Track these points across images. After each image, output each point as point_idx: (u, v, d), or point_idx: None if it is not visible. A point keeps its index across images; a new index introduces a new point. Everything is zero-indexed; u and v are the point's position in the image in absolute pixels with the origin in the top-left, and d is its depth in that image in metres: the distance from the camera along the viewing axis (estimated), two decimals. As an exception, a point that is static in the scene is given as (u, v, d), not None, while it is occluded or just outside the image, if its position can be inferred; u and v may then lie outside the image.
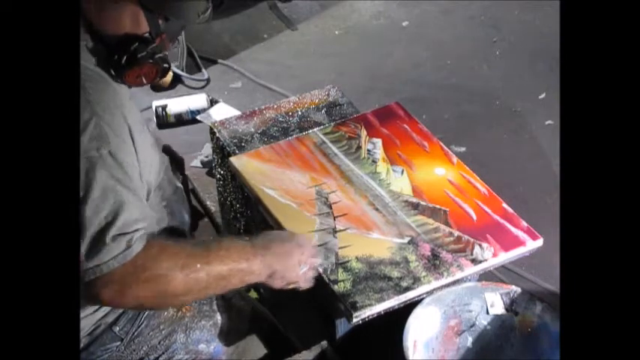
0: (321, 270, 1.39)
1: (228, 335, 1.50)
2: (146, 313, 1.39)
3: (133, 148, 1.24)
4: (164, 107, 2.73)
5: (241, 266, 1.27)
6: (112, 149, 1.18)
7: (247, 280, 1.29)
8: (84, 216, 1.14)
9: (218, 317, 1.49)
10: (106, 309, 1.35)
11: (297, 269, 1.34)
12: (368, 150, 1.73)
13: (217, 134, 1.85)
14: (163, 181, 1.44)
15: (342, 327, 1.51)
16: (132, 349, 1.39)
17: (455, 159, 1.71)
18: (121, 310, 1.36)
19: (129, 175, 1.21)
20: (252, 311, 1.60)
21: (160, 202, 1.42)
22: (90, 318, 1.33)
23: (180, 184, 1.57)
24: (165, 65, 1.33)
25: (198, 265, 1.21)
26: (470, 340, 1.50)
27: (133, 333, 1.39)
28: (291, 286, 1.35)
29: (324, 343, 1.46)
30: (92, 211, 1.14)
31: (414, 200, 1.59)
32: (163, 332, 1.42)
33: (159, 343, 1.41)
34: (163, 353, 1.42)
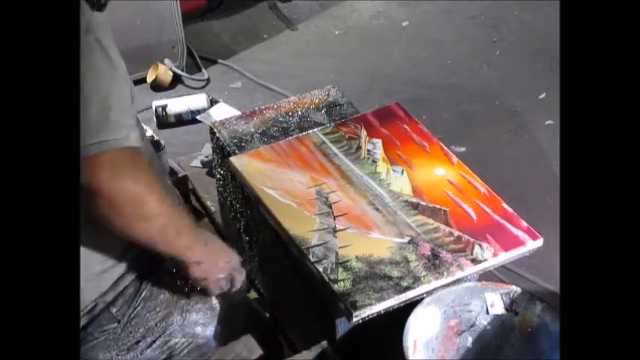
0: (237, 286, 1.45)
1: (224, 322, 1.49)
2: (142, 294, 1.40)
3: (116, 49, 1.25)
4: (164, 107, 2.73)
5: (188, 238, 1.32)
6: (98, 36, 1.18)
7: (181, 250, 1.32)
8: (84, 96, 1.12)
9: (213, 301, 1.49)
10: (106, 286, 1.35)
11: (218, 271, 1.40)
12: (368, 150, 1.73)
13: (217, 134, 1.85)
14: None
15: (342, 327, 1.51)
16: (129, 331, 1.40)
17: (455, 159, 1.71)
18: (120, 289, 1.37)
19: (116, 65, 1.22)
20: (248, 308, 1.60)
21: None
22: (90, 293, 1.34)
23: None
24: None
25: (167, 203, 1.25)
26: (470, 340, 1.50)
27: (130, 315, 1.39)
28: (202, 283, 1.39)
29: (324, 343, 1.46)
30: (91, 91, 1.14)
31: (414, 200, 1.59)
32: (160, 314, 1.42)
33: (155, 325, 1.42)
34: (160, 336, 1.42)
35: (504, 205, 1.58)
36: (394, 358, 1.38)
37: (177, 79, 2.95)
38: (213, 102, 2.76)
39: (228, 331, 1.50)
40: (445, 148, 1.74)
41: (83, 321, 1.36)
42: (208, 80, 2.99)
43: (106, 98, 1.17)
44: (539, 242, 1.52)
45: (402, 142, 1.76)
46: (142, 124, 1.51)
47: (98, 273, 1.34)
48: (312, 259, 1.45)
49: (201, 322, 1.46)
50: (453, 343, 1.49)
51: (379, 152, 1.72)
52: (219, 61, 3.10)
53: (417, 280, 1.42)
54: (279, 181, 1.64)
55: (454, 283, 1.45)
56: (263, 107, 1.94)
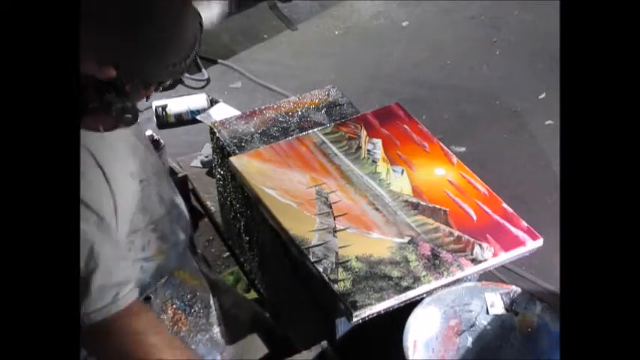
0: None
1: (227, 343, 1.49)
2: None
3: (103, 180, 1.17)
4: (164, 107, 2.73)
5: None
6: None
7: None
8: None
9: (214, 330, 1.48)
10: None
11: None
12: (368, 150, 1.73)
13: (217, 134, 1.85)
14: (151, 204, 1.36)
15: (342, 327, 1.51)
16: None
17: (455, 159, 1.71)
18: None
19: (100, 216, 1.15)
20: (252, 316, 1.60)
21: (146, 226, 1.35)
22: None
23: (179, 201, 1.50)
24: (128, 116, 1.17)
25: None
26: (470, 340, 1.50)
27: None
28: None
29: (324, 343, 1.45)
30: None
31: (414, 200, 1.59)
32: None
33: None
34: None
35: (504, 205, 1.58)
36: (394, 358, 1.38)
37: (177, 79, 2.95)
38: (213, 102, 2.76)
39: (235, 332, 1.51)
40: (445, 148, 1.74)
41: (82, 353, 1.34)
42: (208, 80, 2.98)
43: (90, 261, 1.12)
44: (539, 242, 1.52)
45: (402, 142, 1.76)
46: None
47: None
48: (312, 259, 1.45)
49: (201, 353, 1.45)
50: (453, 343, 1.49)
51: (379, 152, 1.72)
52: (219, 61, 3.10)
53: (417, 280, 1.42)
54: (279, 181, 1.64)
55: (454, 283, 1.45)
56: (263, 107, 1.94)
